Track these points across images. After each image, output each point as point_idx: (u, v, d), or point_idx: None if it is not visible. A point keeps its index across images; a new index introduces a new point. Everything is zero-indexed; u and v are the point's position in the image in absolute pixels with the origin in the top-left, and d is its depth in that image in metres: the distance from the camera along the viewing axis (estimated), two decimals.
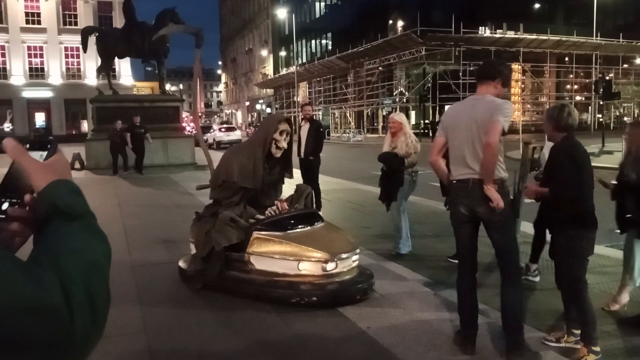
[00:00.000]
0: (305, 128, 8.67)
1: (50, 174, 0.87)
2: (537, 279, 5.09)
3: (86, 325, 0.70)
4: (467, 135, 3.42)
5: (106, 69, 19.50)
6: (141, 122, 15.96)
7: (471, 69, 37.19)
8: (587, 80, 41.25)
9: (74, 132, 41.59)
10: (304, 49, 58.37)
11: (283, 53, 61.17)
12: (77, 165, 17.33)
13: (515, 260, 3.56)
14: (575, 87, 43.26)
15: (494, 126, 3.29)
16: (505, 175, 3.46)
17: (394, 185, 6.07)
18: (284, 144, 4.98)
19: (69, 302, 0.69)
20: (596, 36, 38.56)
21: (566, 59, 41.12)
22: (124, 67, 42.82)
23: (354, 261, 4.59)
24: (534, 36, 37.54)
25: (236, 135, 33.41)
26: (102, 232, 0.85)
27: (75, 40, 36.11)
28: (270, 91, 65.47)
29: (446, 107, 37.75)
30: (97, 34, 19.15)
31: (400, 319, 4.09)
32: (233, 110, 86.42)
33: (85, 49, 19.25)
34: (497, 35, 36.73)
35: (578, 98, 42.66)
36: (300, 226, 4.65)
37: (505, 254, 3.49)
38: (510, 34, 37.32)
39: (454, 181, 3.52)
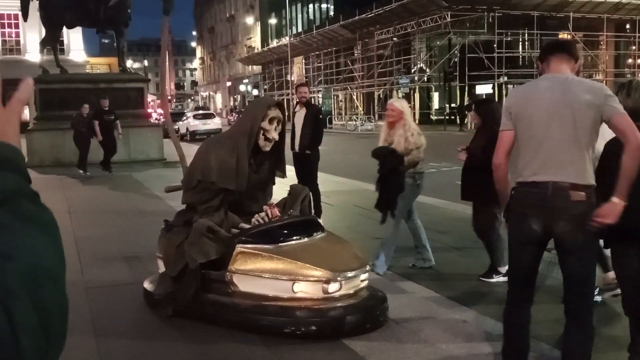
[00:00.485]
0: (300, 114, 8.69)
1: None
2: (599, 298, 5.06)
3: (38, 346, 0.69)
4: (555, 126, 3.26)
5: (52, 42, 19.53)
6: (110, 106, 15.79)
7: (508, 39, 37.35)
8: None
9: None
10: (300, 16, 58.44)
11: (273, 21, 61.24)
12: None
13: (591, 296, 3.49)
14: (639, 61, 43.30)
15: (626, 120, 3.15)
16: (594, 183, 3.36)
17: (391, 190, 5.95)
18: (275, 135, 4.99)
19: (11, 323, 0.68)
20: None
21: (627, 26, 41.14)
22: (74, 40, 42.82)
23: (362, 281, 4.61)
24: None
25: (215, 123, 33.50)
26: (44, 217, 0.81)
27: (12, 5, 36.12)
28: (257, 68, 65.56)
29: (511, 89, 37.63)
30: None
31: (421, 353, 4.10)
32: (211, 93, 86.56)
33: (25, 17, 19.29)
34: None
35: None
36: (295, 237, 4.66)
37: (580, 288, 3.36)
38: None
39: (521, 185, 3.34)
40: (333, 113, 47.15)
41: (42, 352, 0.70)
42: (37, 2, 18.97)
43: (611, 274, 4.64)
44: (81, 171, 15.38)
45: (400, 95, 40.61)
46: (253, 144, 4.92)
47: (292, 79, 50.27)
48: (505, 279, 5.61)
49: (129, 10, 18.98)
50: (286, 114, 5.25)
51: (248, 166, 4.87)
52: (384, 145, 6.12)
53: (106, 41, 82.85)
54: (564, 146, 3.26)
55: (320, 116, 9.11)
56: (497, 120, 5.86)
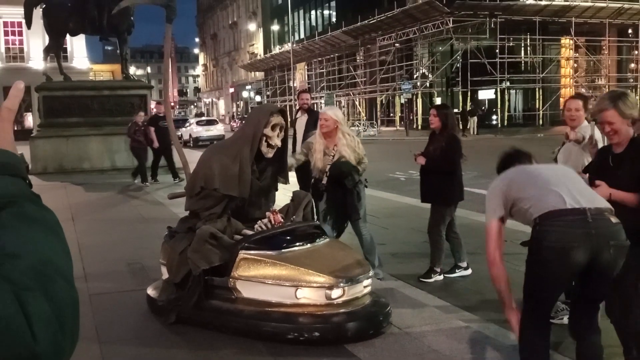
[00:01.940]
0: (302, 120, 8.70)
1: None
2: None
3: (54, 337, 0.71)
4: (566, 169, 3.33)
5: (56, 49, 19.61)
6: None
7: (510, 44, 37.38)
8: None
9: (15, 128, 41.67)
10: (302, 22, 58.57)
11: (276, 27, 61.40)
12: None
13: None
14: None
15: None
16: None
17: (353, 199, 5.91)
18: (277, 142, 5.01)
19: (26, 314, 0.70)
20: None
21: (629, 31, 41.14)
22: (77, 47, 42.99)
23: (365, 287, 4.61)
24: (588, 3, 37.60)
25: (218, 130, 33.56)
26: (48, 218, 0.82)
27: (16, 13, 36.29)
28: (259, 75, 65.69)
29: (480, 94, 37.86)
30: (44, 6, 19.27)
31: (424, 359, 4.09)
32: (214, 99, 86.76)
33: (29, 25, 19.37)
34: (543, 3, 36.77)
35: None
36: (298, 243, 4.67)
37: (596, 306, 3.37)
38: (560, 1, 37.38)
39: (554, 215, 3.06)
40: None
41: (58, 343, 0.72)
42: (41, 10, 19.06)
43: None
44: (139, 181, 14.32)
45: (402, 100, 40.69)
46: (256, 151, 4.93)
47: (295, 85, 50.36)
48: (441, 277, 6.17)
49: (131, 18, 19.04)
50: (289, 120, 5.27)
51: (251, 173, 4.88)
52: (336, 161, 5.87)
53: (109, 48, 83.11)
54: (568, 180, 3.27)
55: None
56: (453, 124, 6.11)
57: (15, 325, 0.69)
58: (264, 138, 4.93)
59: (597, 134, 4.77)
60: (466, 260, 6.40)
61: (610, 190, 3.52)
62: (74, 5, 18.88)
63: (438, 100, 41.70)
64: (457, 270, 6.36)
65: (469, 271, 6.35)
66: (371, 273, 4.80)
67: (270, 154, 5.01)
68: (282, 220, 4.92)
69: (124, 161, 17.29)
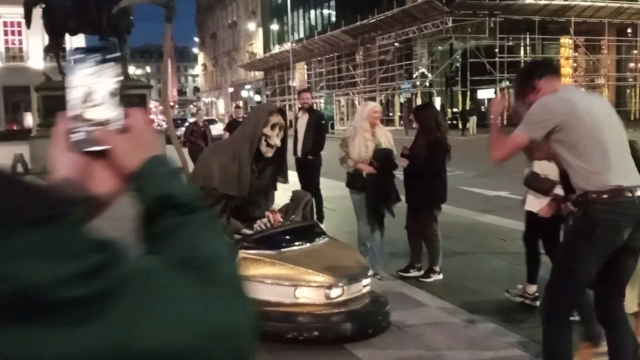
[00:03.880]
0: (303, 120, 8.72)
1: (141, 148, 0.87)
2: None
3: (252, 341, 0.73)
4: (611, 132, 3.26)
5: (55, 49, 19.56)
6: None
7: (510, 44, 37.38)
8: None
9: (15, 128, 41.72)
10: (302, 22, 58.57)
11: (275, 27, 61.41)
12: (19, 168, 17.42)
13: None
14: None
15: None
16: None
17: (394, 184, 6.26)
18: (277, 141, 5.01)
19: (240, 320, 0.72)
20: None
21: (629, 30, 41.17)
22: (77, 46, 43.01)
23: (364, 286, 4.62)
24: (588, 2, 37.64)
25: (217, 129, 33.46)
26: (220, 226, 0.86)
27: (15, 13, 36.30)
28: (259, 74, 65.68)
29: (479, 93, 37.72)
30: (44, 6, 19.26)
31: (423, 359, 4.11)
32: (213, 99, 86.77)
33: (28, 25, 19.35)
34: (543, 2, 36.80)
35: None
36: (297, 243, 4.68)
37: (624, 290, 3.45)
38: (559, 0, 37.41)
39: (607, 193, 3.15)
40: (335, 118, 47.18)
41: (251, 348, 0.74)
42: (40, 9, 19.05)
43: (534, 287, 5.12)
44: None
45: (402, 100, 40.68)
46: (255, 150, 4.94)
47: (294, 84, 50.34)
48: (441, 276, 6.13)
49: (131, 18, 19.02)
50: (288, 120, 5.27)
51: (250, 172, 4.89)
52: (384, 147, 6.15)
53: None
54: (624, 151, 3.27)
55: (323, 122, 9.14)
56: (433, 126, 6.04)
57: (241, 333, 0.71)
58: (264, 137, 4.93)
59: None
60: (439, 264, 6.30)
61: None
62: (74, 5, 18.85)
63: (437, 100, 41.76)
64: (431, 275, 6.24)
65: (441, 276, 6.23)
66: (370, 272, 4.81)
67: (269, 153, 5.01)
68: (281, 219, 4.93)
69: None
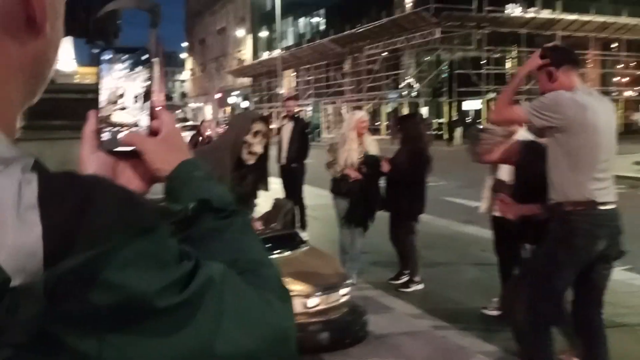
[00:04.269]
0: (287, 128, 8.73)
1: (172, 151, 0.87)
2: None
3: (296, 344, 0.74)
4: (608, 143, 3.30)
5: None
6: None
7: (496, 56, 37.67)
8: (639, 72, 41.79)
9: None
10: (290, 29, 58.68)
11: (264, 34, 61.45)
12: None
13: None
14: (625, 79, 43.82)
15: None
16: None
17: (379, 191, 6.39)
18: (259, 149, 4.98)
19: (291, 323, 0.74)
20: None
21: (613, 45, 41.65)
22: (64, 49, 42.84)
23: (343, 295, 4.61)
24: (574, 16, 38.06)
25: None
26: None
27: None
28: (247, 80, 65.62)
29: (466, 104, 37.92)
30: None
31: None
32: (200, 104, 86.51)
33: None
34: (529, 15, 37.19)
35: (628, 93, 43.16)
36: (276, 251, 4.66)
37: (602, 300, 3.49)
38: (545, 14, 37.81)
39: (591, 205, 3.23)
40: (322, 126, 47.23)
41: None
42: None
43: None
44: None
45: (389, 109, 40.83)
46: (236, 157, 4.92)
47: (282, 91, 50.37)
48: (421, 286, 6.17)
49: (119, 21, 18.97)
50: (271, 127, 5.26)
51: (231, 179, 4.87)
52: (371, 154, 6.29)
53: (96, 51, 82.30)
54: (610, 167, 3.32)
55: (307, 130, 9.15)
56: (416, 136, 6.13)
57: (291, 334, 0.73)
58: (245, 145, 4.92)
59: None
60: (419, 274, 6.33)
61: (519, 209, 3.75)
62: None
63: (424, 110, 41.95)
64: (410, 285, 6.27)
65: (421, 286, 6.26)
66: (349, 281, 4.81)
67: (251, 160, 4.98)
68: (261, 227, 4.91)
69: None
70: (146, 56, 0.90)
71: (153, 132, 0.88)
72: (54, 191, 0.59)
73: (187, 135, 34.30)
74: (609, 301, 5.47)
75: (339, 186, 6.33)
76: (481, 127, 4.22)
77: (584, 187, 3.21)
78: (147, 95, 0.89)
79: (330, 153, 6.41)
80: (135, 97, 0.88)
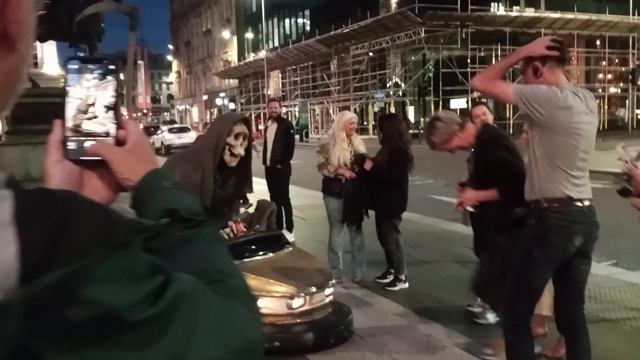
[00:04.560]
0: (272, 129, 8.73)
1: (139, 161, 0.87)
2: None
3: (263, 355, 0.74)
4: (591, 145, 3.31)
5: None
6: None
7: (482, 54, 37.84)
8: (624, 69, 42.16)
9: None
10: (276, 30, 58.64)
11: (250, 35, 61.38)
12: None
13: None
14: (609, 76, 44.19)
15: None
16: None
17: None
18: (241, 150, 4.98)
19: (259, 334, 0.73)
20: (633, 15, 39.49)
21: (597, 42, 41.98)
22: (48, 53, 42.41)
23: (327, 295, 4.62)
24: (557, 14, 38.33)
25: (190, 137, 33.33)
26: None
27: None
28: (234, 82, 65.51)
29: (452, 103, 38.12)
30: None
31: None
32: (187, 106, 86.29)
33: None
34: (514, 14, 37.42)
35: (612, 90, 43.55)
36: (260, 253, 4.66)
37: (583, 295, 3.52)
38: (530, 12, 38.04)
39: (569, 201, 3.25)
40: (310, 126, 47.23)
41: None
42: None
43: None
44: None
45: (376, 109, 40.90)
46: (219, 160, 4.91)
47: (269, 92, 50.33)
48: (407, 285, 6.24)
49: (102, 25, 18.86)
50: (252, 129, 5.26)
51: (213, 182, 4.86)
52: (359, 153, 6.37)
53: (81, 54, 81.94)
54: (587, 166, 3.33)
55: (292, 131, 9.14)
56: (396, 135, 6.12)
57: (260, 347, 0.72)
58: (227, 147, 4.91)
59: None
60: (405, 272, 6.36)
61: (476, 194, 3.90)
62: (43, 12, 18.60)
63: (410, 109, 42.08)
64: (397, 284, 6.30)
65: (407, 285, 6.29)
66: (333, 282, 4.81)
67: (233, 162, 4.98)
68: (244, 229, 4.90)
69: None
70: (113, 67, 0.90)
71: (120, 142, 0.88)
72: (30, 208, 0.59)
73: (175, 137, 34.07)
74: (594, 296, 5.59)
75: (331, 186, 6.41)
76: (437, 115, 4.21)
77: (561, 185, 3.22)
78: (115, 105, 0.89)
79: (322, 154, 6.49)
80: (106, 107, 0.88)
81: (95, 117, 0.88)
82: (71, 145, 0.88)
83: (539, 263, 3.29)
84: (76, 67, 0.89)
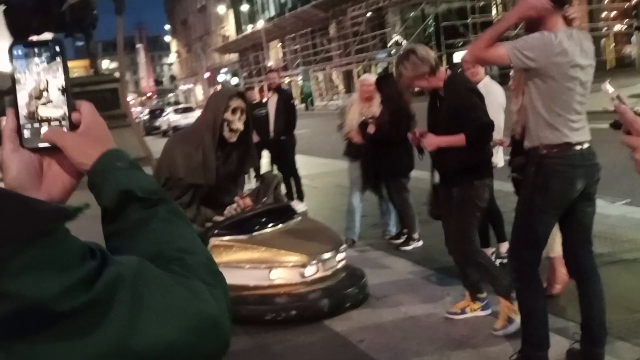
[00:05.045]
0: (272, 101, 8.67)
1: (93, 143, 0.85)
2: None
3: (230, 328, 0.75)
4: (587, 88, 3.24)
5: None
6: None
7: (481, 4, 37.24)
8: (626, 4, 41.30)
9: None
10: (271, 0, 57.95)
11: (245, 7, 60.71)
12: None
13: None
14: (613, 13, 43.32)
15: None
16: None
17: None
18: (239, 125, 4.96)
19: (221, 309, 0.73)
20: None
21: None
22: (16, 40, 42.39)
23: (339, 261, 4.64)
24: None
25: (195, 116, 33.22)
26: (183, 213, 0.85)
27: None
28: (234, 56, 65.14)
29: (455, 56, 37.53)
30: (4, 6, 18.93)
31: (401, 326, 4.14)
32: (190, 86, 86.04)
33: None
34: None
35: (617, 27, 42.71)
36: (269, 225, 4.68)
37: (590, 238, 3.48)
38: None
39: (567, 146, 3.20)
40: (314, 94, 47.00)
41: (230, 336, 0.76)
42: (2, 10, 18.73)
43: (506, 244, 5.14)
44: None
45: (379, 70, 40.52)
46: (218, 137, 4.89)
47: (270, 64, 50.02)
48: (420, 243, 6.22)
49: (94, 12, 18.74)
50: (248, 102, 5.22)
51: (215, 159, 4.85)
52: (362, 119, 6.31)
53: (80, 43, 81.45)
54: (584, 109, 3.26)
55: (292, 101, 9.08)
56: (396, 94, 6.03)
57: (220, 320, 0.72)
58: (225, 123, 4.89)
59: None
60: (418, 230, 6.35)
61: (439, 139, 3.89)
62: (35, 4, 18.53)
63: None
64: (410, 242, 6.33)
65: (420, 243, 6.30)
66: (344, 246, 4.82)
67: (233, 138, 4.97)
68: (251, 203, 4.91)
69: None
70: (59, 48, 0.88)
71: (75, 125, 0.86)
72: None
73: (181, 117, 33.90)
74: (609, 237, 5.56)
75: (349, 148, 6.54)
76: (415, 49, 4.14)
77: (558, 130, 3.18)
78: (66, 87, 0.87)
79: (340, 116, 6.65)
80: (59, 89, 0.86)
81: (50, 101, 0.86)
82: (27, 133, 0.86)
83: (542, 210, 3.26)
84: (22, 52, 0.86)
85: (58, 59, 0.86)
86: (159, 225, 0.79)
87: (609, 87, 1.39)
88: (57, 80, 0.86)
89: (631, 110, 1.29)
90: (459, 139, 3.86)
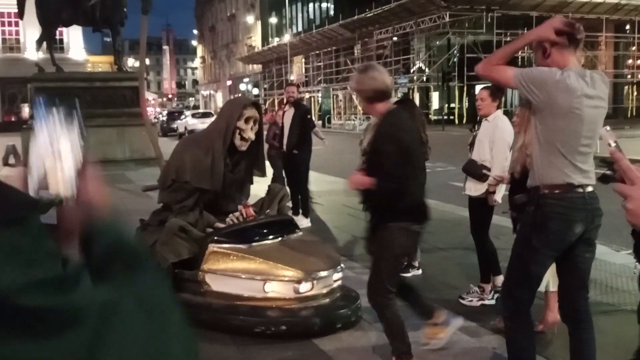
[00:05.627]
0: (288, 114, 8.69)
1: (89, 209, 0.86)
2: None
3: None
4: (594, 131, 3.17)
5: (48, 40, 19.53)
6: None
7: (507, 39, 37.23)
8: None
9: (13, 119, 41.67)
10: (300, 15, 58.39)
11: (274, 20, 61.24)
12: (11, 160, 17.35)
13: None
14: (639, 62, 43.21)
15: None
16: None
17: None
18: (251, 135, 4.99)
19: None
20: None
21: (627, 27, 41.06)
22: (74, 38, 42.89)
23: (335, 280, 4.61)
24: None
25: None
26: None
27: (12, 3, 36.18)
28: (257, 67, 65.54)
29: (477, 88, 37.64)
30: None
31: (388, 354, 4.08)
32: (211, 92, 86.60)
33: (21, 15, 19.31)
34: None
35: None
36: (269, 237, 4.67)
37: (587, 284, 3.44)
38: None
39: (568, 188, 3.16)
40: (332, 112, 47.11)
41: None
42: (34, 0, 18.99)
43: (500, 278, 5.04)
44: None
45: (399, 94, 40.59)
46: (229, 144, 4.92)
47: (292, 78, 50.26)
48: (420, 271, 6.20)
49: (124, 9, 18.96)
50: (263, 113, 5.25)
51: (224, 166, 4.87)
52: None
53: (108, 39, 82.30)
54: (591, 151, 3.23)
55: (309, 116, 9.10)
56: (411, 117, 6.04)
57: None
58: (237, 131, 4.91)
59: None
60: (418, 259, 6.29)
61: (362, 180, 3.64)
62: None
63: (434, 95, 41.71)
64: (410, 270, 6.20)
65: (420, 271, 6.25)
66: (341, 266, 4.80)
67: (243, 147, 5.00)
68: (254, 213, 4.91)
69: (115, 153, 17.23)
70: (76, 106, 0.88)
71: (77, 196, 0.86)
72: None
73: (198, 122, 34.06)
74: (610, 285, 5.49)
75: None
76: (376, 67, 4.01)
77: (560, 171, 3.14)
78: (77, 150, 0.88)
79: (364, 133, 6.62)
80: (69, 152, 0.87)
81: (60, 160, 0.87)
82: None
83: (538, 251, 3.22)
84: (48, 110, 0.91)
85: (76, 123, 0.89)
86: (141, 281, 0.79)
87: (607, 133, 1.38)
88: (72, 142, 0.87)
89: (626, 158, 1.28)
90: (371, 183, 3.61)
